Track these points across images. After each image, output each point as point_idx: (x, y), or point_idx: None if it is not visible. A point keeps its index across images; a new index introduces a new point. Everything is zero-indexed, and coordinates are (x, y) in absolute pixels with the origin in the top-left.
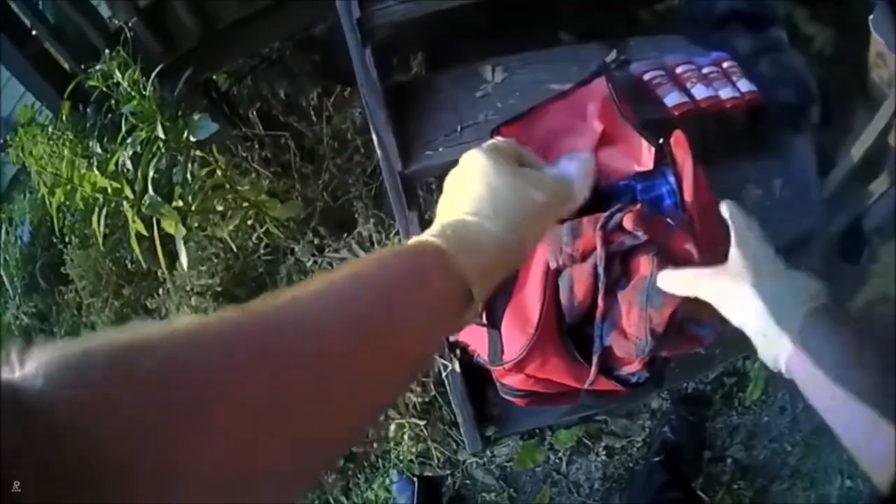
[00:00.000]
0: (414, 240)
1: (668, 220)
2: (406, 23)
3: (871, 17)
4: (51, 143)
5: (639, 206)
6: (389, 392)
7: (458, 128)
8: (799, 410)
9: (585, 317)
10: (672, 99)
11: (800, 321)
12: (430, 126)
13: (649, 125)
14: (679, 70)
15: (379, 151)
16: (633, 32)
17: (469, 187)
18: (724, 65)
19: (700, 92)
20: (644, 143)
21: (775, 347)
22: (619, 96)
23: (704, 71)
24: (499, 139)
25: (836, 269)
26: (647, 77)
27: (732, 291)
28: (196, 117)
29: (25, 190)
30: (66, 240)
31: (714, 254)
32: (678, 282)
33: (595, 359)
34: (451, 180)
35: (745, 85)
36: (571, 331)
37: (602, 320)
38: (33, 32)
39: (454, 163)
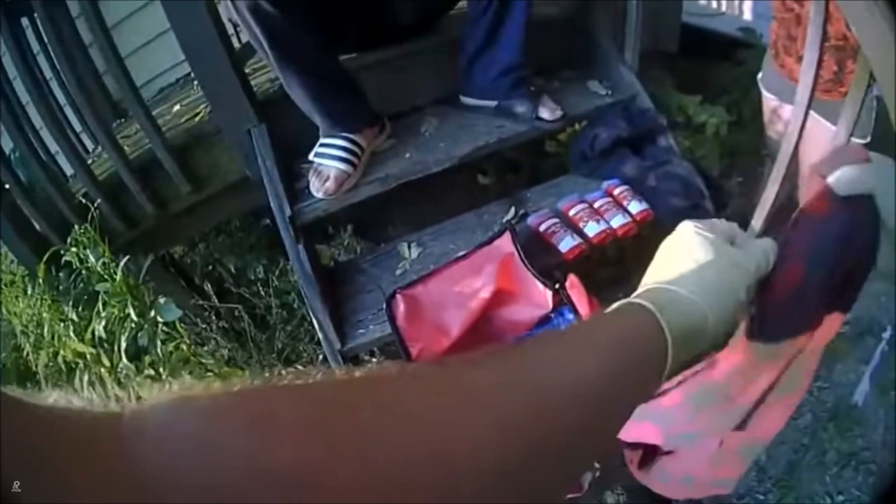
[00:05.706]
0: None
1: None
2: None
3: (759, 76)
4: (30, 304)
5: None
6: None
7: (383, 306)
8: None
9: None
10: (566, 244)
11: None
12: (359, 307)
13: (547, 272)
14: (572, 213)
15: (319, 333)
16: (539, 168)
17: (677, 260)
18: (616, 192)
19: (592, 229)
20: (543, 288)
21: None
22: (520, 251)
23: (597, 205)
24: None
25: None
26: (542, 228)
27: None
28: (162, 300)
29: None
30: None
31: None
32: None
33: None
34: (663, 250)
35: (636, 206)
36: None
37: None
38: (6, 186)
39: (387, 336)
